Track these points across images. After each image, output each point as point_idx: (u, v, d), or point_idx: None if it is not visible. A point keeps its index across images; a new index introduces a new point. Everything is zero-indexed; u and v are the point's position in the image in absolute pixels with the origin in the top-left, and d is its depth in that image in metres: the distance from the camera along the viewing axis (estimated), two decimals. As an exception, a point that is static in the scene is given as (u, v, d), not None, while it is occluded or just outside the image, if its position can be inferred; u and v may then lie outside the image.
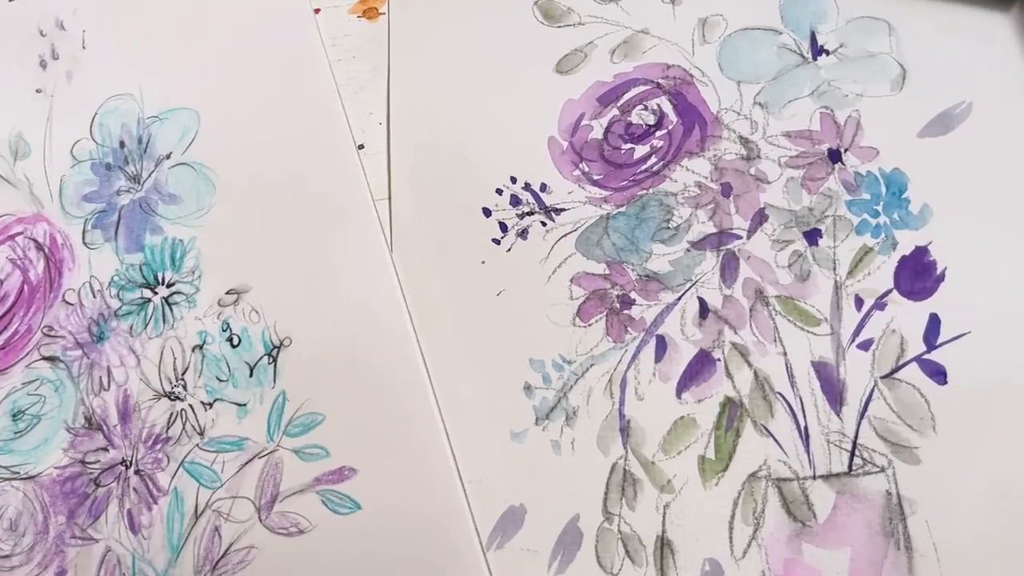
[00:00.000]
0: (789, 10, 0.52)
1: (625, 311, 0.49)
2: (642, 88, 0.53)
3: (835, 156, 0.49)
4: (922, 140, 0.48)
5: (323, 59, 0.58)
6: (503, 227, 0.53)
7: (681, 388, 0.48)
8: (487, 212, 0.53)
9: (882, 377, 0.46)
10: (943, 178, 0.47)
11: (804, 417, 0.46)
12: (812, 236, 0.48)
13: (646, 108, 0.53)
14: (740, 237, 0.49)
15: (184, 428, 0.53)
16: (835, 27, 0.51)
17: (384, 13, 0.58)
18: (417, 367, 0.51)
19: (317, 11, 0.59)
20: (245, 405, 0.52)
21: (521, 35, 0.56)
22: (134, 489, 0.52)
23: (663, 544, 0.46)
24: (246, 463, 0.51)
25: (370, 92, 0.57)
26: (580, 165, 0.53)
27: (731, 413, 0.47)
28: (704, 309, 0.48)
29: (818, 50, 0.51)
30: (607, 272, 0.50)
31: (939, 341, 0.45)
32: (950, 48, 0.49)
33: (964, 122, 0.48)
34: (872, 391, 0.45)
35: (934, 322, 0.46)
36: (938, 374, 0.45)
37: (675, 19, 0.54)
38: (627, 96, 0.53)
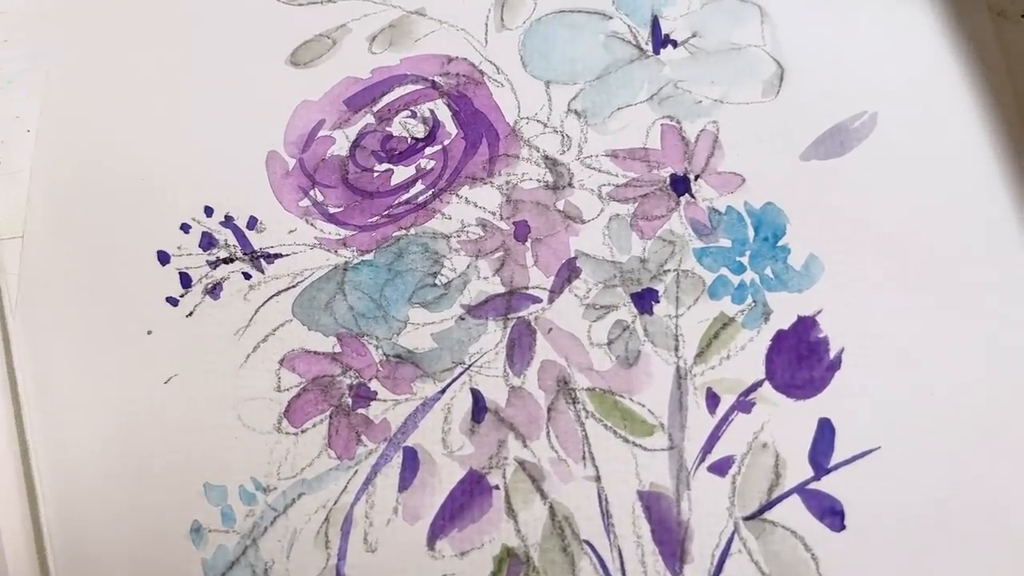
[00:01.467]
0: (623, -13, 0.49)
1: (360, 410, 0.41)
2: (411, 88, 0.46)
3: (681, 185, 0.43)
4: (807, 164, 0.43)
5: None
6: (185, 280, 0.44)
7: (436, 533, 0.40)
8: (164, 258, 0.44)
9: (746, 518, 0.39)
10: (837, 218, 0.42)
11: (624, 582, 0.38)
12: (644, 300, 0.42)
13: (414, 115, 0.46)
14: (539, 300, 0.42)
15: None
16: (687, 10, 0.46)
17: (57, -17, 0.50)
18: (14, 498, 0.41)
19: (-43, -22, 0.51)
20: None
21: (243, 13, 0.48)
22: None
23: None
24: None
25: (22, 88, 0.48)
26: (311, 192, 0.45)
27: (511, 574, 0.39)
28: (480, 408, 0.41)
29: (662, 40, 0.46)
30: (337, 350, 0.42)
31: (833, 462, 0.39)
32: (845, 40, 0.45)
33: (865, 140, 0.43)
34: (730, 540, 0.39)
35: (826, 432, 0.39)
36: (832, 514, 0.39)
37: (464, -3, 0.48)
38: (388, 98, 0.46)
